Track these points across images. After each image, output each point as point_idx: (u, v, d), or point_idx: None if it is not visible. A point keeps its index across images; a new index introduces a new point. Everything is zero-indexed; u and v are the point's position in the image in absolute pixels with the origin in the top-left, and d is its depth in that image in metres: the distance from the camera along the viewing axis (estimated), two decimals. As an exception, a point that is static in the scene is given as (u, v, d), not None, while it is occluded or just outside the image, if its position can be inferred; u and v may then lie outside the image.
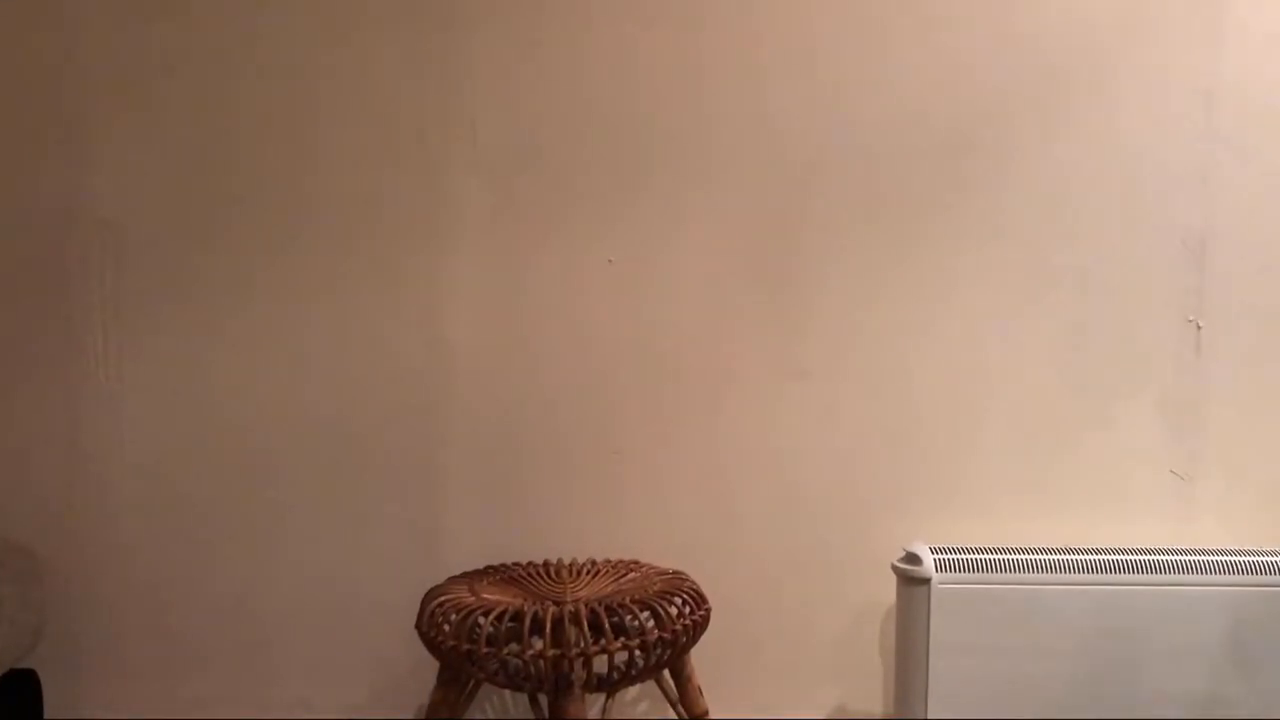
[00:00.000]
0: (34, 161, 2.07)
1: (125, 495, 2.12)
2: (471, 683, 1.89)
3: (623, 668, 1.77)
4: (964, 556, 1.98)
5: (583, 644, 1.70)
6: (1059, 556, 1.99)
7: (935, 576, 1.97)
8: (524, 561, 2.07)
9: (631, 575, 1.99)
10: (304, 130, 2.08)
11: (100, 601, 2.12)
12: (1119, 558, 1.99)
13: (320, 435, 2.11)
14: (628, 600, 1.78)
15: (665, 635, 1.76)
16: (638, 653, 1.75)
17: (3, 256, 2.08)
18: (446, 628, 1.76)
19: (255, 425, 2.11)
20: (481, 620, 1.73)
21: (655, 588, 1.87)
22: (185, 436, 2.12)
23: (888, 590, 2.04)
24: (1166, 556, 2.00)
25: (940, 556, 1.98)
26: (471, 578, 1.98)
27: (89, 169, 2.08)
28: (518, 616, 1.74)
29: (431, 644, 1.79)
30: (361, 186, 2.09)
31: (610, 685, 1.79)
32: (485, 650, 1.71)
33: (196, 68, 2.07)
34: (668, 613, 1.77)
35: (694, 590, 1.87)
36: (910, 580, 1.99)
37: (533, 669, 1.71)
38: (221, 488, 2.12)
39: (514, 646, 1.74)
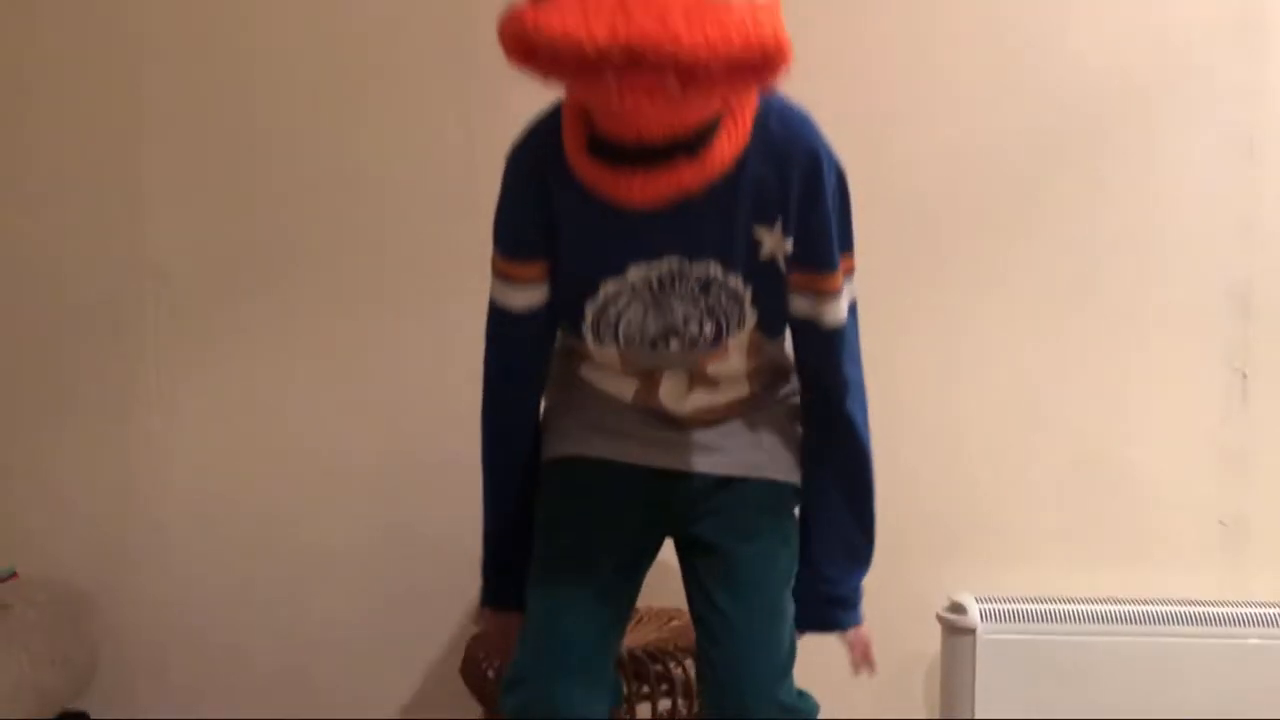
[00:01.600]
0: (95, 213, 2.13)
1: (177, 535, 2.15)
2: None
3: (666, 716, 1.77)
4: (1010, 606, 1.97)
5: (626, 691, 1.70)
6: (1106, 607, 1.98)
7: (981, 627, 1.96)
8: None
9: (674, 623, 1.99)
10: (349, 179, 2.12)
11: (152, 641, 2.14)
12: (1166, 609, 1.98)
13: (369, 475, 2.14)
14: (672, 648, 1.78)
15: (709, 683, 1.75)
16: (680, 700, 1.75)
17: (63, 303, 2.13)
18: (490, 674, 1.77)
19: (304, 467, 2.14)
20: None
21: (698, 635, 1.87)
22: (235, 477, 2.15)
23: (932, 641, 2.03)
24: (1215, 609, 1.98)
25: (986, 606, 1.97)
26: (516, 623, 1.99)
27: (145, 221, 2.13)
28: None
29: (476, 689, 1.80)
30: (407, 232, 2.12)
31: (653, 733, 1.79)
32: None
33: (246, 124, 2.12)
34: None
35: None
36: (956, 630, 1.98)
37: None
38: (271, 527, 2.14)
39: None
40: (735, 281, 1.37)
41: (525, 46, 1.12)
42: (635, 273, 1.36)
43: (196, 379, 2.14)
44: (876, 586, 2.10)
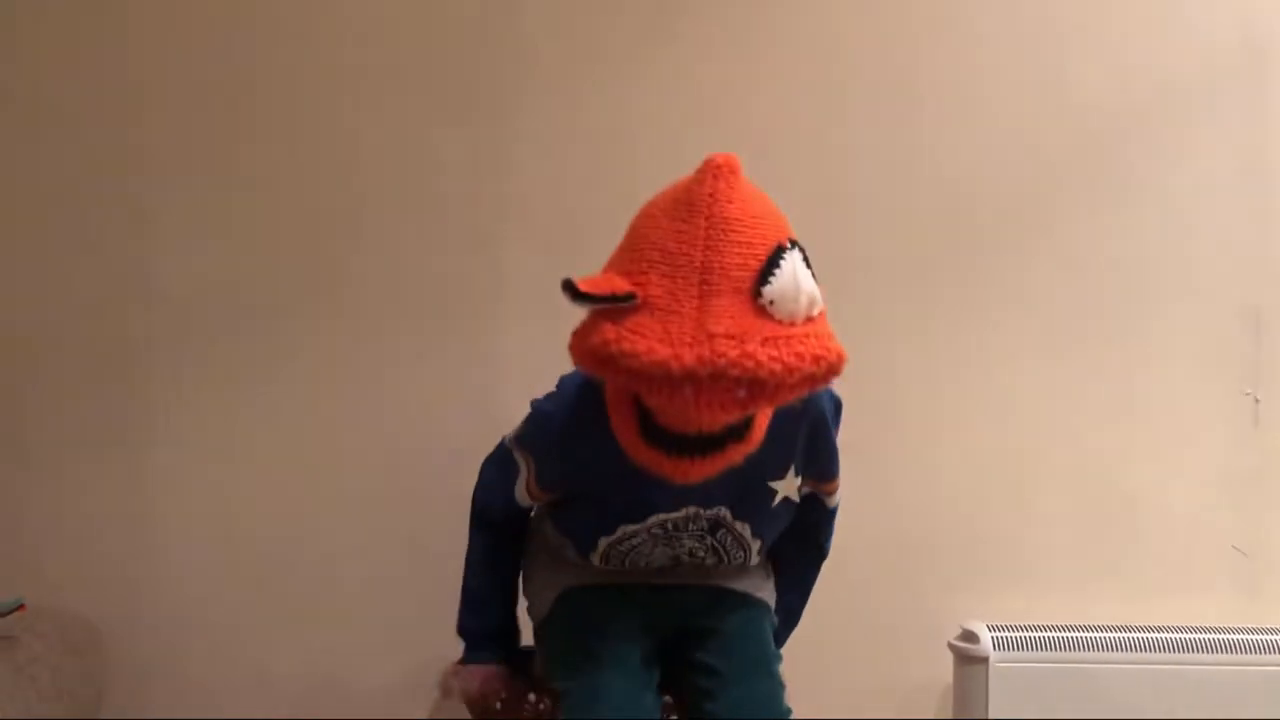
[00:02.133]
0: (103, 243, 2.13)
1: (187, 567, 2.14)
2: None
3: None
4: (1022, 634, 1.96)
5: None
6: (1119, 635, 1.96)
7: (993, 655, 1.94)
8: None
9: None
10: (354, 205, 2.12)
11: (158, 674, 2.13)
12: (1180, 636, 1.96)
13: (379, 502, 2.13)
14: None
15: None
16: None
17: (72, 333, 2.13)
18: (498, 705, 1.77)
19: (313, 494, 2.13)
20: (532, 698, 1.74)
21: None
22: (242, 506, 2.14)
23: (944, 669, 2.02)
24: (1229, 635, 1.96)
25: (998, 634, 1.96)
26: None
27: (154, 250, 2.13)
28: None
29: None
30: (411, 258, 2.12)
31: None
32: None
33: (253, 154, 2.12)
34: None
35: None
36: (968, 659, 1.96)
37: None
38: (280, 556, 2.13)
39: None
40: (742, 527, 1.54)
41: (604, 362, 1.22)
42: (654, 520, 1.50)
43: (203, 407, 2.13)
44: (888, 614, 2.11)
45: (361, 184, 2.12)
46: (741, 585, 1.65)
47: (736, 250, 1.24)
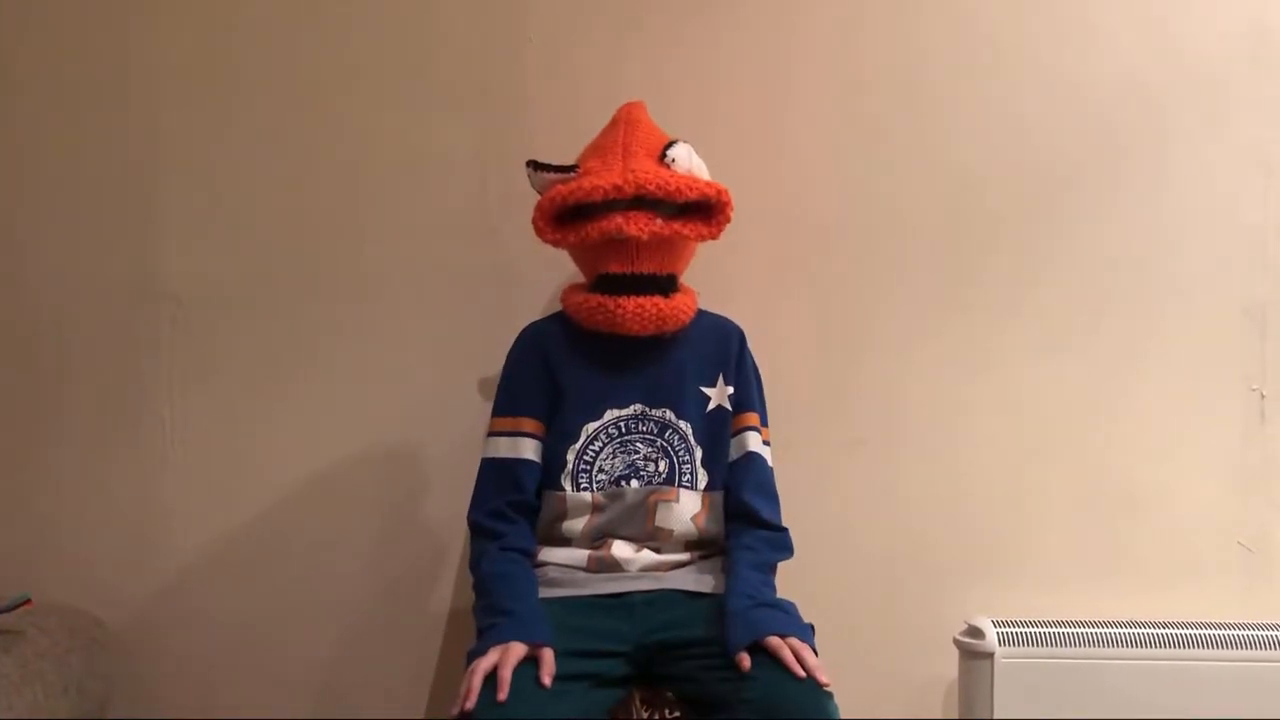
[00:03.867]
0: (106, 240, 2.14)
1: (192, 563, 2.15)
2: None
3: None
4: (1028, 630, 1.96)
5: (635, 713, 1.69)
6: (1125, 630, 1.96)
7: (999, 651, 1.94)
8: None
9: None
10: (362, 206, 2.13)
11: (166, 669, 2.14)
12: (1186, 632, 1.96)
13: (386, 502, 2.14)
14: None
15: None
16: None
17: (77, 332, 2.14)
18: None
19: (319, 493, 2.14)
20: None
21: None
22: (250, 505, 2.15)
23: (950, 665, 2.02)
24: (1235, 631, 1.96)
25: (1004, 630, 1.96)
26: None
27: (158, 248, 2.14)
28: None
29: None
30: (419, 259, 2.12)
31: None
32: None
33: (259, 151, 2.13)
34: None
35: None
36: (973, 654, 1.96)
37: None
38: (287, 554, 2.14)
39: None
40: (685, 426, 1.80)
41: (562, 199, 1.73)
42: (609, 416, 1.79)
43: (210, 405, 2.14)
44: (894, 610, 2.11)
45: (371, 184, 2.13)
46: (701, 583, 1.75)
47: (646, 135, 1.80)
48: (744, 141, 2.11)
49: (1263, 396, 2.11)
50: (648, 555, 1.76)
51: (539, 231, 1.78)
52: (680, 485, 1.79)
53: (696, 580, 1.75)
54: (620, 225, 1.70)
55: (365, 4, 2.12)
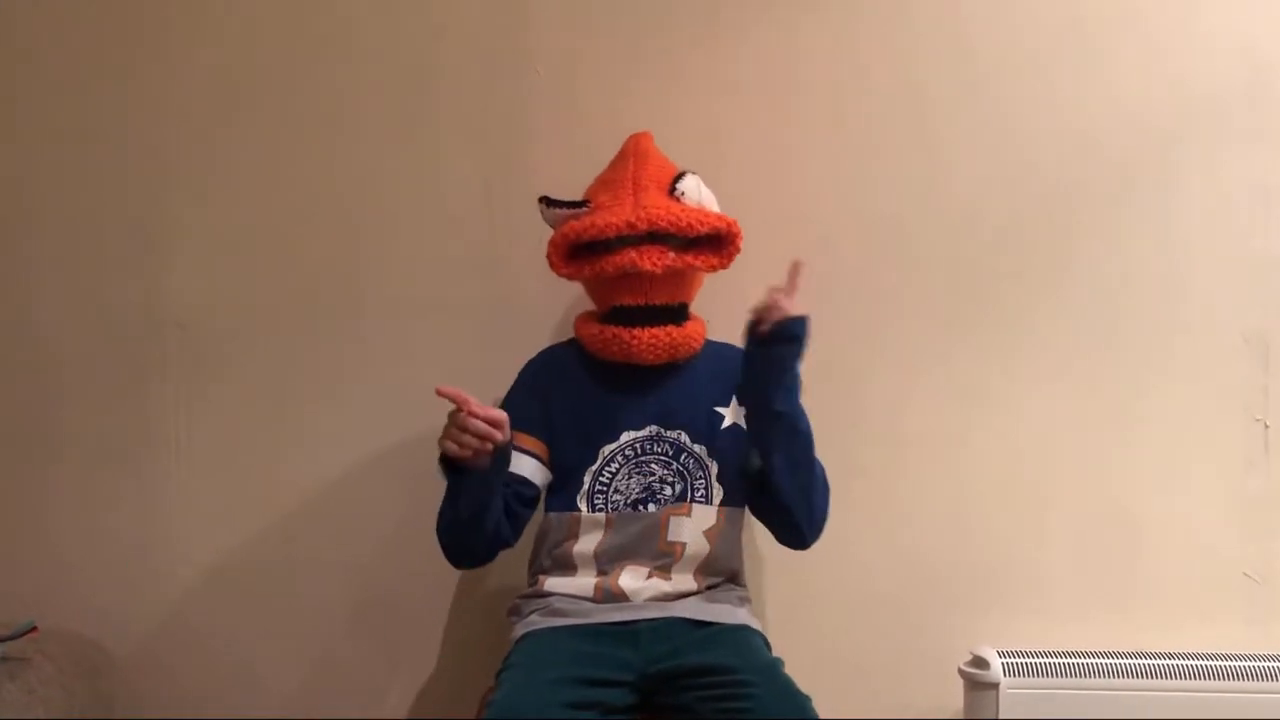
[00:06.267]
0: (115, 266, 2.15)
1: (196, 589, 2.15)
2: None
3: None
4: (1033, 660, 1.95)
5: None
6: (1130, 661, 1.96)
7: (1004, 681, 1.94)
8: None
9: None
10: (368, 230, 2.14)
11: (169, 696, 2.13)
12: (1191, 663, 1.95)
13: (391, 525, 2.13)
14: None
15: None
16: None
17: (86, 357, 2.14)
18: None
19: (325, 517, 2.14)
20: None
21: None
22: (254, 532, 2.15)
23: (955, 695, 2.01)
24: (1240, 662, 1.96)
25: (1009, 660, 1.95)
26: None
27: (166, 273, 2.15)
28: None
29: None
30: (427, 290, 2.13)
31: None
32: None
33: (265, 179, 2.14)
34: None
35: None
36: (978, 685, 1.96)
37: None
38: (293, 579, 2.14)
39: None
40: (699, 449, 1.83)
41: (575, 235, 1.76)
42: (626, 438, 1.82)
43: (214, 431, 2.15)
44: (899, 640, 2.10)
45: (377, 213, 2.14)
46: (708, 611, 1.75)
47: (655, 168, 1.84)
48: (747, 170, 2.12)
49: (1266, 427, 2.11)
50: (655, 585, 1.76)
51: (553, 267, 1.81)
52: (694, 500, 1.81)
53: (704, 610, 1.75)
54: (634, 260, 1.74)
55: (372, 35, 2.14)
